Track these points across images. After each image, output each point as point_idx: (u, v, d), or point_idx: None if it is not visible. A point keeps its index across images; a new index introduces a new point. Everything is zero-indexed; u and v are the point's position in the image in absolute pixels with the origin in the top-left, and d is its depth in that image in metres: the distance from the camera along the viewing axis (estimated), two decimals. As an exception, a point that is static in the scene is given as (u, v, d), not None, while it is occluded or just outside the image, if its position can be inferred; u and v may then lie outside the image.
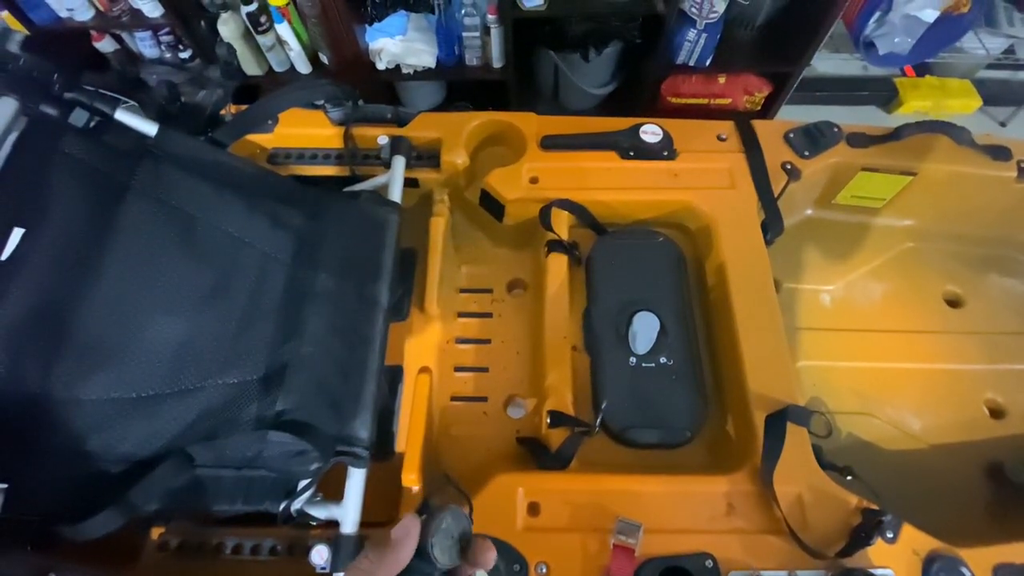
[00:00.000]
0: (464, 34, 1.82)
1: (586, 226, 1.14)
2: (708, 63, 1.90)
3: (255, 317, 0.79)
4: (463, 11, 1.76)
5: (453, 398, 1.06)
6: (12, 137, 0.76)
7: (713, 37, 1.80)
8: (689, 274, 1.10)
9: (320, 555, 0.71)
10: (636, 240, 1.11)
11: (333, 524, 0.74)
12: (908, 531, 0.81)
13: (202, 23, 1.81)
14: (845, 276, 1.28)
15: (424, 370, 1.03)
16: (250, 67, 1.88)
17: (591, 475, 0.89)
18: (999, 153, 1.16)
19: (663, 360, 0.99)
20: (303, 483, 0.72)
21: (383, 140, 1.09)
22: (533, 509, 0.84)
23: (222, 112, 0.99)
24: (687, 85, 2.03)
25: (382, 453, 0.95)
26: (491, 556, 0.45)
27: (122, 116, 0.83)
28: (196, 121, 0.95)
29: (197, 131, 0.94)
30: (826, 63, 2.24)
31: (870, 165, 1.16)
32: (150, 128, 0.84)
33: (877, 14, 1.86)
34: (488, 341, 1.12)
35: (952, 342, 1.20)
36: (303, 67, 1.91)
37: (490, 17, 1.74)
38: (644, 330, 1.00)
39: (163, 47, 1.95)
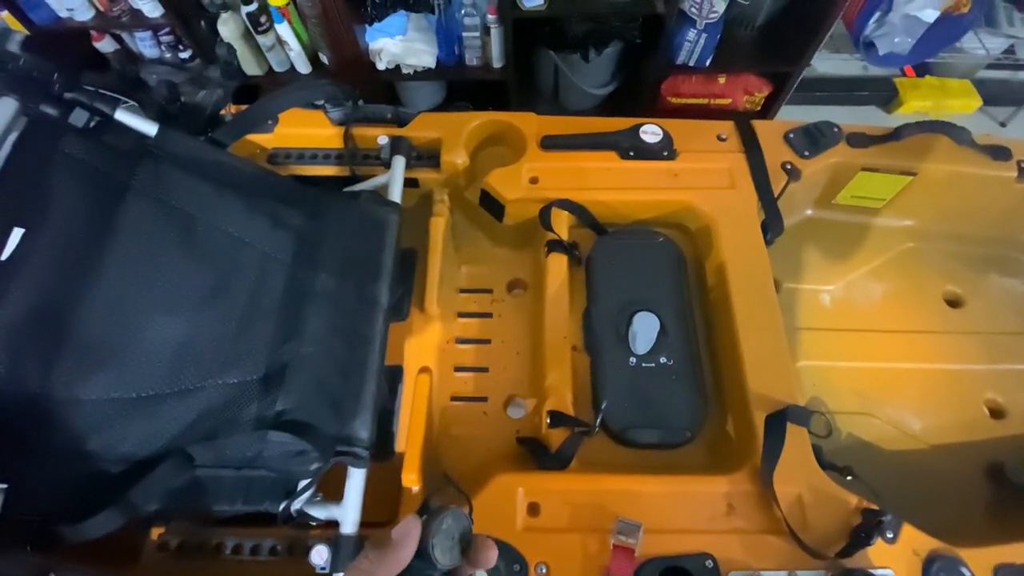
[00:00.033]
0: (464, 34, 1.82)
1: (586, 226, 1.14)
2: (708, 63, 1.90)
3: (255, 317, 0.79)
4: (463, 11, 1.76)
5: (453, 398, 1.06)
6: (12, 137, 0.76)
7: (713, 37, 1.80)
8: (689, 274, 1.10)
9: (320, 555, 0.71)
10: (636, 240, 1.11)
11: (333, 524, 0.74)
12: (908, 531, 0.81)
13: (202, 23, 1.81)
14: (845, 276, 1.28)
15: (424, 370, 1.03)
16: (250, 67, 1.88)
17: (591, 475, 0.89)
18: (999, 153, 1.16)
19: (663, 360, 0.99)
20: (303, 483, 0.72)
21: (383, 140, 1.09)
22: (533, 509, 0.84)
23: (222, 112, 0.99)
24: (687, 85, 2.03)
25: (382, 453, 0.94)
26: (492, 555, 0.45)
27: (122, 116, 0.83)
28: (196, 121, 0.95)
29: (197, 131, 0.94)
30: (826, 63, 2.24)
31: (870, 165, 1.16)
32: (150, 128, 0.84)
33: (877, 14, 1.86)
34: (488, 341, 1.12)
35: (952, 342, 1.20)
36: (303, 67, 1.91)
37: (490, 17, 1.74)
38: (644, 330, 1.00)
39: (163, 47, 1.95)
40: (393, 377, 1.01)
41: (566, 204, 1.10)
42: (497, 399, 1.06)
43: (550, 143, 1.15)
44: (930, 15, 1.80)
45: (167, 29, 1.87)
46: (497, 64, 1.91)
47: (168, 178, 0.84)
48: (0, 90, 0.76)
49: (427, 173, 1.14)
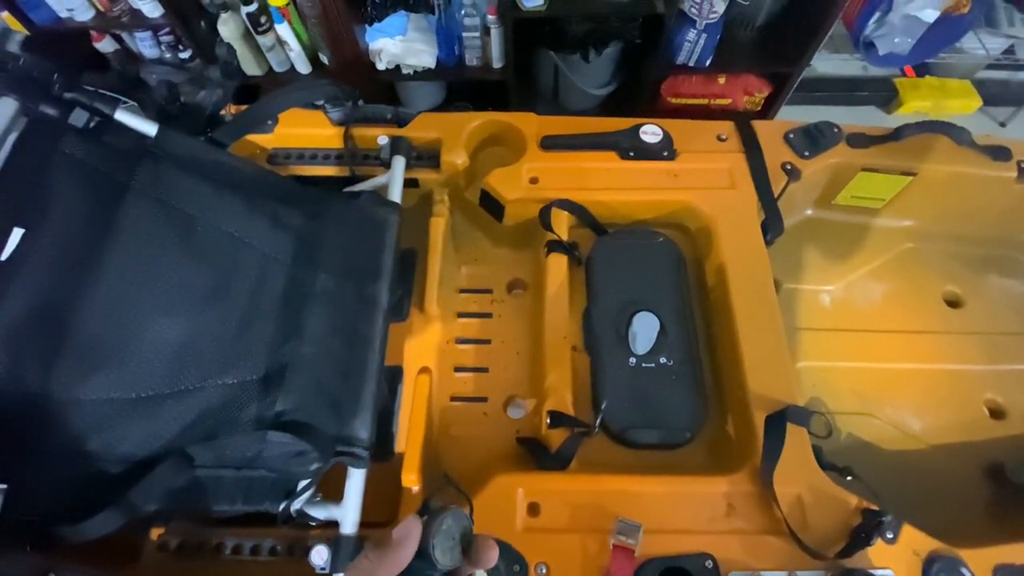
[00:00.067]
0: (464, 34, 1.82)
1: (586, 226, 1.14)
2: (708, 63, 1.90)
3: (255, 317, 0.79)
4: (463, 11, 1.76)
5: (453, 398, 1.06)
6: (12, 137, 0.76)
7: (713, 37, 1.80)
8: (689, 274, 1.10)
9: (320, 555, 0.71)
10: (636, 240, 1.11)
11: (333, 524, 0.74)
12: (908, 531, 0.81)
13: (202, 23, 1.81)
14: (845, 276, 1.28)
15: (424, 370, 1.03)
16: (250, 67, 1.88)
17: (591, 475, 0.89)
18: (999, 153, 1.16)
19: (663, 360, 0.99)
20: (303, 483, 0.72)
21: (383, 140, 1.09)
22: (533, 509, 0.84)
23: (222, 112, 0.99)
24: (687, 85, 2.03)
25: (382, 453, 0.94)
26: (493, 555, 0.45)
27: (122, 116, 0.83)
28: (196, 121, 0.95)
29: (197, 131, 0.94)
30: (826, 63, 2.24)
31: (870, 165, 1.16)
32: (150, 128, 0.84)
33: (877, 14, 1.86)
34: (488, 341, 1.12)
35: (952, 342, 1.20)
36: (303, 67, 1.91)
37: (490, 17, 1.74)
38: (644, 330, 1.00)
39: (163, 47, 1.95)
40: (393, 377, 1.01)
41: (566, 204, 1.10)
42: (497, 399, 1.06)
43: (550, 143, 1.15)
44: (930, 15, 1.80)
45: (167, 29, 1.87)
46: (497, 64, 1.91)
47: (168, 178, 0.84)
48: (0, 90, 0.76)
49: (427, 173, 1.14)
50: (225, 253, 0.82)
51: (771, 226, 1.10)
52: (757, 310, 0.99)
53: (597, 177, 1.13)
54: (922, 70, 2.38)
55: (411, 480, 0.88)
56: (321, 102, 1.11)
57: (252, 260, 0.83)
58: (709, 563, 0.79)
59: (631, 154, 1.14)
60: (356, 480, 0.75)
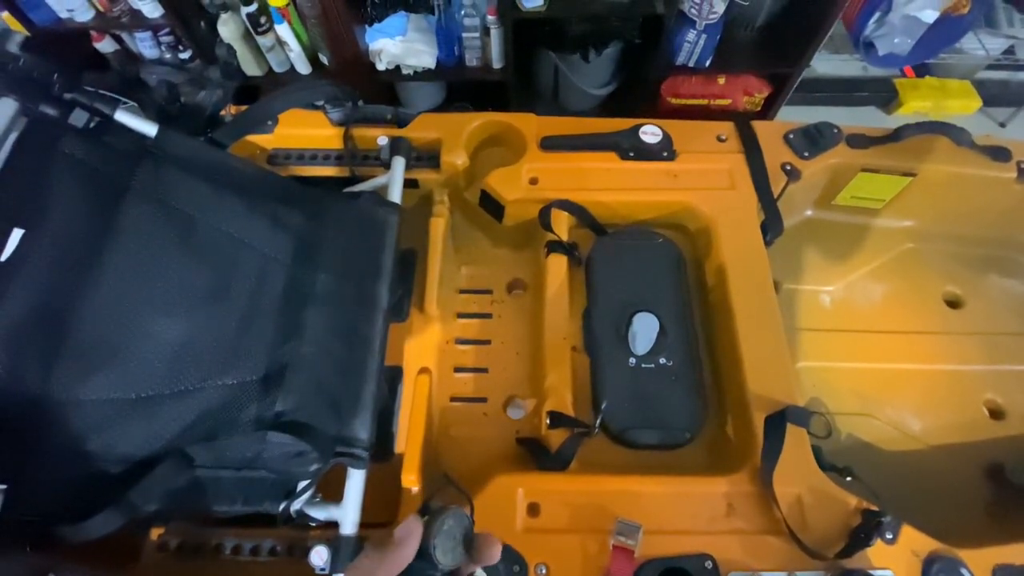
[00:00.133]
0: (464, 35, 1.82)
1: (586, 227, 1.14)
2: (708, 64, 1.90)
3: (255, 318, 0.79)
4: (463, 12, 1.76)
5: (453, 399, 1.06)
6: (12, 137, 0.76)
7: (713, 38, 1.80)
8: (689, 275, 1.10)
9: (319, 556, 0.71)
10: (636, 241, 1.11)
11: (333, 525, 0.74)
12: (908, 532, 0.81)
13: (202, 24, 1.81)
14: (845, 277, 1.28)
15: (424, 371, 1.03)
16: (250, 68, 1.88)
17: (591, 476, 0.89)
18: (999, 154, 1.16)
19: (663, 361, 0.99)
20: (302, 484, 0.72)
21: (383, 141, 1.09)
22: (533, 510, 0.84)
23: (222, 113, 0.99)
24: (687, 86, 2.03)
25: (382, 454, 0.95)
26: (496, 551, 0.45)
27: (122, 117, 0.83)
28: (196, 122, 0.95)
29: (197, 132, 0.94)
30: (826, 64, 2.24)
31: (870, 166, 1.16)
32: (150, 129, 0.84)
33: (877, 15, 1.86)
34: (488, 342, 1.12)
35: (952, 343, 1.20)
36: (303, 68, 1.91)
37: (490, 18, 1.74)
38: (644, 331, 1.00)
39: (163, 47, 1.95)
40: (393, 378, 1.01)
41: (566, 205, 1.10)
42: (497, 400, 1.06)
43: (550, 144, 1.15)
44: (930, 16, 1.80)
45: (167, 30, 1.87)
46: (497, 65, 1.91)
47: (168, 179, 0.84)
48: (0, 90, 0.76)
49: (427, 174, 1.14)
50: (225, 253, 0.82)
51: (771, 226, 1.10)
52: (757, 310, 0.99)
53: (597, 177, 1.13)
54: (922, 70, 2.38)
55: (411, 480, 0.88)
56: (321, 102, 1.11)
57: (252, 260, 0.83)
58: (709, 564, 0.79)
59: (631, 154, 1.14)
60: (356, 480, 0.75)
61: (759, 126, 1.18)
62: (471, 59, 1.91)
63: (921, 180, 1.17)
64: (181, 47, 1.91)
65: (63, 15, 1.77)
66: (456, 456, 1.01)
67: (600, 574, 0.79)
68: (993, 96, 2.39)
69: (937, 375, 1.18)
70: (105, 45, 1.94)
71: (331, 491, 0.75)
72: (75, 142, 0.79)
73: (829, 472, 0.88)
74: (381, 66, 1.89)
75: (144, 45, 1.94)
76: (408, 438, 0.92)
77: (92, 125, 0.84)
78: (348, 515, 0.73)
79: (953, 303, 1.26)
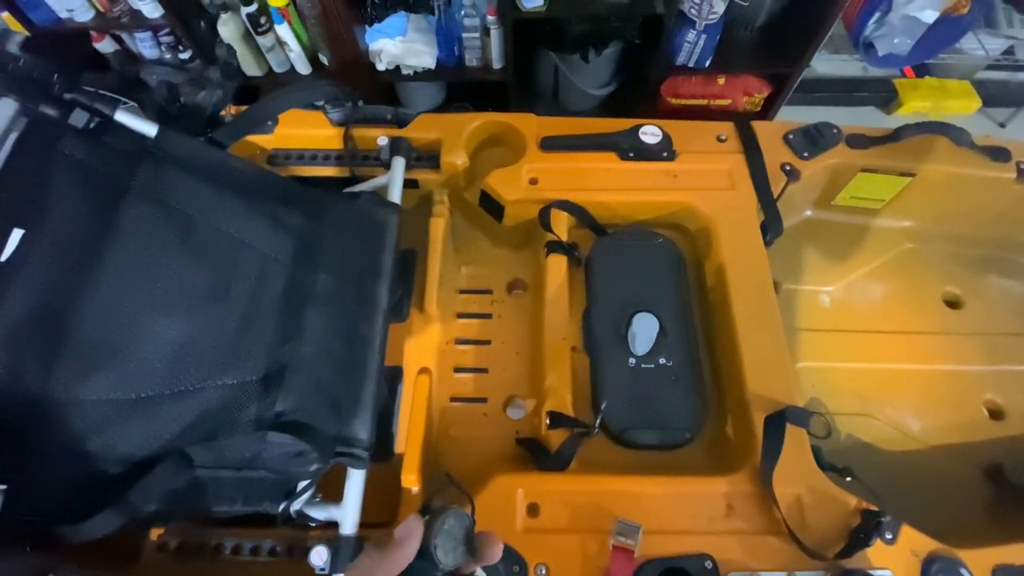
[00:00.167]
0: (464, 35, 1.82)
1: (586, 227, 1.14)
2: (708, 64, 1.90)
3: (255, 318, 0.79)
4: (463, 12, 1.76)
5: (453, 399, 1.06)
6: (12, 138, 0.76)
7: (713, 38, 1.80)
8: (688, 275, 1.10)
9: (319, 556, 0.71)
10: (635, 241, 1.11)
11: (332, 525, 0.74)
12: (907, 532, 0.81)
13: (202, 24, 1.81)
14: (844, 277, 1.28)
15: (424, 371, 1.03)
16: (250, 68, 1.88)
17: (590, 476, 0.89)
18: (998, 154, 1.16)
19: (662, 361, 0.99)
20: (302, 484, 0.72)
21: (383, 141, 1.09)
22: (532, 510, 0.84)
23: (222, 113, 0.99)
24: (687, 86, 2.03)
25: (381, 454, 0.95)
26: (498, 550, 0.45)
27: (122, 117, 0.83)
28: (196, 122, 0.95)
29: (197, 132, 0.94)
30: (826, 64, 2.24)
31: (869, 166, 1.16)
32: (150, 129, 0.84)
33: (877, 15, 1.86)
34: (488, 342, 1.12)
35: (951, 343, 1.20)
36: (303, 68, 1.91)
37: (490, 18, 1.74)
38: (643, 331, 1.00)
39: (163, 48, 1.95)
40: (393, 378, 1.01)
41: (566, 205, 1.10)
42: (497, 400, 1.06)
43: (550, 144, 1.15)
44: (929, 16, 1.80)
45: (167, 30, 1.87)
46: (497, 65, 1.91)
47: (168, 179, 0.84)
48: (0, 91, 0.76)
49: (427, 174, 1.14)
50: (225, 254, 0.82)
51: (770, 227, 1.10)
52: (756, 311, 0.99)
53: (597, 178, 1.13)
54: (922, 71, 2.38)
55: (411, 481, 0.88)
56: (321, 103, 1.12)
57: (252, 260, 0.83)
58: (708, 564, 0.79)
59: (631, 155, 1.14)
60: (356, 481, 0.75)
61: (759, 126, 1.18)
62: (471, 59, 1.91)
63: (921, 180, 1.17)
64: (181, 47, 1.92)
65: (63, 15, 1.77)
66: (456, 456, 1.01)
67: (600, 574, 0.79)
68: (993, 96, 2.39)
69: (936, 375, 1.18)
70: (105, 45, 1.94)
71: (331, 491, 0.75)
72: (75, 142, 0.79)
73: (829, 472, 0.88)
74: (381, 66, 1.89)
75: (144, 45, 1.94)
76: (408, 438, 0.92)
77: (92, 125, 0.84)
78: (348, 515, 0.73)
79: (952, 303, 1.26)
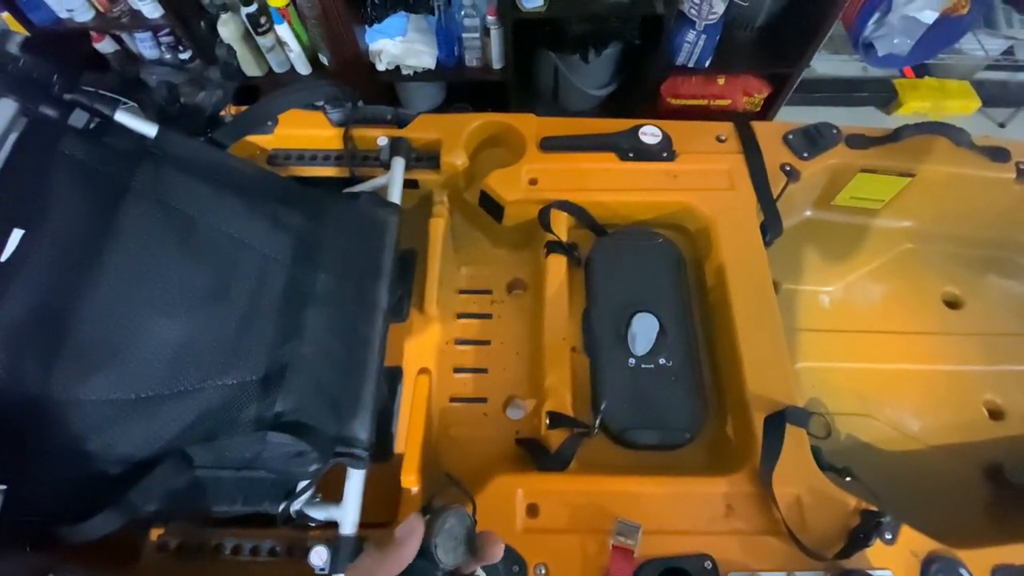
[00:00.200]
0: (464, 35, 1.82)
1: (585, 227, 1.14)
2: (708, 64, 1.90)
3: (254, 318, 0.79)
4: (463, 12, 1.76)
5: (452, 399, 1.06)
6: (12, 138, 0.76)
7: (713, 38, 1.80)
8: (688, 275, 1.10)
9: (319, 556, 0.71)
10: (635, 241, 1.11)
11: (332, 525, 0.74)
12: (907, 532, 0.82)
13: (202, 24, 1.81)
14: (844, 277, 1.28)
15: (423, 371, 1.03)
16: (250, 68, 1.88)
17: (590, 476, 0.89)
18: (998, 154, 1.16)
19: (662, 361, 0.99)
20: (302, 484, 0.72)
21: (383, 141, 1.09)
22: (532, 510, 0.84)
23: (222, 113, 0.99)
24: (687, 86, 2.03)
25: (381, 454, 0.95)
26: (499, 549, 0.45)
27: (122, 117, 0.83)
28: (196, 122, 0.95)
29: (197, 132, 0.94)
30: (825, 64, 2.24)
31: (869, 166, 1.16)
32: (150, 129, 0.84)
33: (876, 15, 1.86)
34: (487, 342, 1.12)
35: (951, 343, 1.20)
36: (303, 68, 1.91)
37: (490, 18, 1.74)
38: (643, 331, 1.00)
39: (163, 48, 1.95)
40: (392, 378, 1.01)
41: (565, 205, 1.10)
42: (496, 400, 1.06)
43: (549, 144, 1.15)
44: (929, 16, 1.80)
45: (167, 30, 1.87)
46: (497, 65, 1.91)
47: (168, 179, 0.84)
48: (0, 91, 0.76)
49: (427, 174, 1.14)
50: (225, 254, 0.82)
51: (770, 227, 1.10)
52: (756, 311, 0.99)
53: (596, 178, 1.13)
54: (921, 71, 2.38)
55: (410, 481, 0.88)
56: (321, 103, 1.12)
57: (252, 261, 0.83)
58: (708, 564, 0.79)
59: (630, 155, 1.14)
60: (355, 481, 0.75)
61: (758, 126, 1.18)
62: (471, 59, 1.91)
63: (920, 181, 1.17)
64: (181, 47, 1.91)
65: (63, 15, 1.77)
66: (456, 456, 1.01)
67: (599, 574, 0.79)
68: (992, 97, 2.39)
69: (936, 375, 1.18)
70: (105, 45, 1.94)
71: (331, 491, 0.75)
72: (75, 143, 0.79)
73: (828, 472, 0.88)
74: (381, 66, 1.89)
75: (144, 45, 1.94)
76: (408, 438, 0.92)
77: (92, 126, 0.84)
78: (348, 515, 0.73)
79: (952, 303, 1.26)
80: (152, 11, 1.73)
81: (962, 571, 0.79)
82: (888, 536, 0.81)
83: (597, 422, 0.90)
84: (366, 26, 1.86)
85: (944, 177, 1.17)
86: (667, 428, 0.94)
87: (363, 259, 0.88)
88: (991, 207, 1.22)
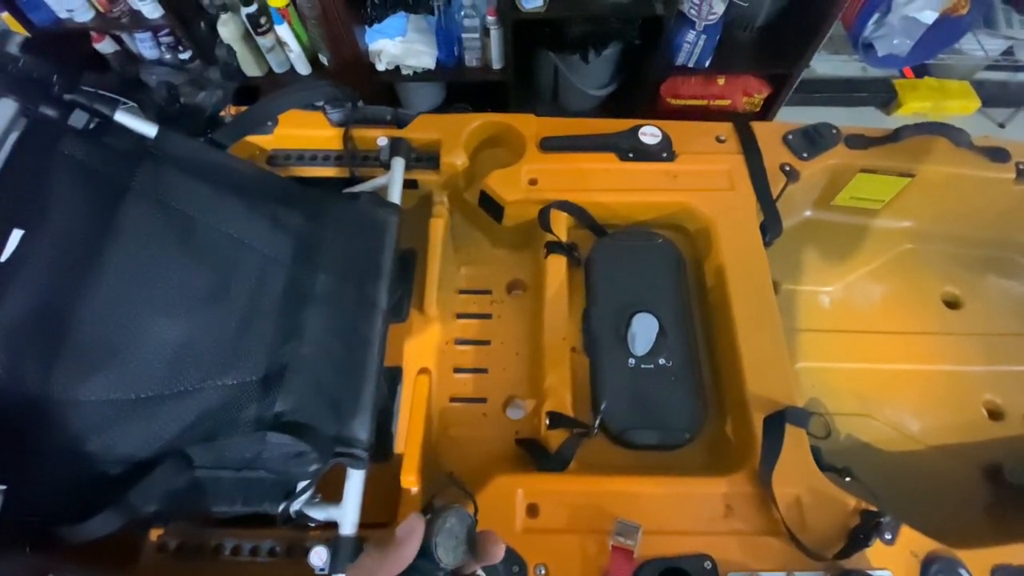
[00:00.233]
0: (464, 35, 1.82)
1: (585, 227, 1.14)
2: (707, 64, 1.90)
3: (254, 318, 0.79)
4: (463, 12, 1.76)
5: (452, 399, 1.06)
6: (12, 138, 0.76)
7: (712, 38, 1.80)
8: (688, 275, 1.10)
9: (319, 556, 0.71)
10: (635, 241, 1.11)
11: (332, 525, 0.74)
12: (906, 532, 0.82)
13: (202, 24, 1.81)
14: (844, 277, 1.28)
15: (423, 371, 1.03)
16: (250, 68, 1.89)
17: (590, 476, 0.89)
18: (997, 155, 1.16)
19: (662, 361, 0.99)
20: (302, 484, 0.72)
21: (382, 141, 1.09)
22: (532, 510, 0.84)
23: (222, 113, 0.99)
24: (686, 86, 2.03)
25: (381, 454, 0.95)
26: (500, 549, 0.45)
27: (121, 117, 0.83)
28: (196, 122, 0.95)
29: (197, 132, 0.94)
30: (825, 64, 2.24)
31: (869, 167, 1.16)
32: (150, 129, 0.84)
33: (876, 15, 1.86)
34: (487, 342, 1.12)
35: (951, 344, 1.20)
36: (303, 68, 1.92)
37: (489, 18, 1.74)
38: (643, 331, 1.00)
39: (163, 48, 1.95)
40: (392, 378, 1.01)
41: (565, 205, 1.10)
42: (496, 400, 1.06)
43: (549, 144, 1.15)
44: (929, 16, 1.80)
45: (167, 30, 1.87)
46: (496, 65, 1.91)
47: (168, 179, 0.84)
48: (0, 91, 0.76)
49: (426, 174, 1.14)
50: (225, 254, 0.82)
51: (770, 227, 1.10)
52: (756, 311, 0.99)
53: (596, 178, 1.13)
54: (921, 71, 2.39)
55: (410, 481, 0.88)
56: (321, 103, 1.12)
57: (252, 261, 0.83)
58: (708, 564, 0.79)
59: (630, 155, 1.14)
60: (355, 481, 0.75)
61: (758, 127, 1.18)
62: (471, 60, 1.91)
63: (920, 181, 1.17)
64: (181, 48, 1.91)
65: (63, 16, 1.77)
66: (455, 457, 1.01)
67: (599, 574, 0.79)
68: (992, 97, 2.39)
69: (936, 376, 1.18)
70: (105, 46, 1.94)
71: (330, 491, 0.75)
72: (75, 143, 0.79)
73: (828, 473, 0.88)
74: (381, 67, 1.89)
75: (144, 46, 1.94)
76: (407, 438, 0.92)
77: (92, 126, 0.84)
78: (347, 515, 0.73)
79: (952, 304, 1.26)
80: (152, 11, 1.73)
81: (962, 571, 0.79)
82: (888, 536, 0.81)
83: (597, 422, 0.90)
84: (366, 26, 1.86)
85: (944, 177, 1.17)
86: (667, 428, 0.94)
87: (363, 259, 0.88)
88: (991, 207, 1.22)
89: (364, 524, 0.74)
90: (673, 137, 1.16)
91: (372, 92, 1.97)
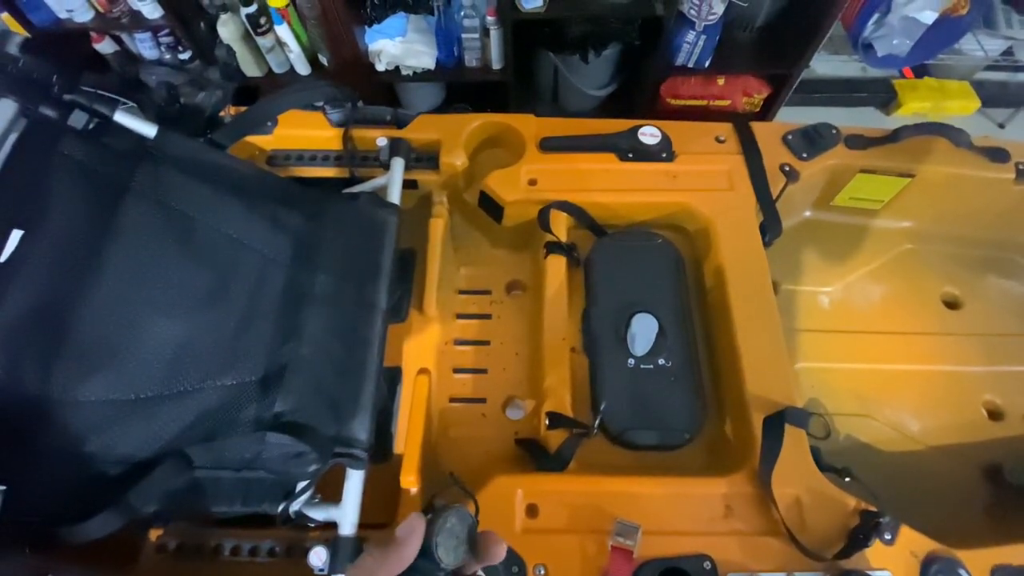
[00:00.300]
0: (463, 36, 1.82)
1: (585, 228, 1.14)
2: (707, 65, 1.90)
3: (254, 318, 0.79)
4: (463, 13, 1.76)
5: (452, 399, 1.06)
6: (12, 139, 0.76)
7: (712, 39, 1.80)
8: (687, 276, 1.10)
9: (318, 557, 0.71)
10: (635, 242, 1.11)
11: (332, 526, 0.74)
12: (906, 533, 0.82)
13: (202, 25, 1.81)
14: (844, 278, 1.28)
15: (423, 371, 1.03)
16: (249, 68, 1.88)
17: (589, 477, 0.89)
18: (997, 155, 1.16)
19: (661, 362, 0.99)
20: (301, 485, 0.72)
21: (382, 142, 1.10)
22: (531, 511, 0.84)
23: (221, 113, 0.99)
24: (686, 87, 2.03)
25: (380, 455, 0.95)
26: (501, 549, 0.45)
27: (121, 118, 0.83)
28: (195, 122, 0.95)
29: (196, 132, 0.94)
30: (825, 65, 2.24)
31: (868, 167, 1.16)
32: (149, 130, 0.84)
33: (876, 16, 1.86)
34: (487, 342, 1.12)
35: (950, 344, 1.20)
36: (303, 69, 1.91)
37: (489, 19, 1.74)
38: (643, 332, 1.00)
39: (163, 48, 1.94)
40: (392, 378, 1.01)
41: (565, 206, 1.10)
42: (496, 400, 1.06)
43: (549, 145, 1.15)
44: (929, 17, 1.80)
45: (167, 30, 1.87)
46: (496, 65, 1.91)
47: (167, 180, 0.84)
48: (0, 92, 0.76)
49: (426, 175, 1.14)
50: (224, 254, 0.82)
51: (769, 227, 1.10)
52: (756, 311, 0.99)
53: (596, 179, 1.13)
54: (921, 71, 2.39)
55: (410, 481, 0.88)
56: (320, 103, 1.12)
57: (251, 261, 0.83)
58: (707, 564, 0.79)
59: (630, 156, 1.14)
60: (355, 481, 0.75)
61: (758, 127, 1.18)
62: (471, 60, 1.91)
63: (920, 181, 1.17)
64: (181, 48, 1.91)
65: (63, 16, 1.77)
66: (455, 457, 1.01)
67: (599, 575, 0.79)
68: (992, 97, 2.39)
69: (936, 376, 1.18)
70: (105, 46, 1.94)
71: (330, 492, 0.75)
72: (74, 143, 0.79)
73: (827, 473, 0.88)
74: (381, 67, 1.89)
75: (144, 46, 1.94)
76: (407, 439, 0.92)
77: (91, 126, 0.84)
78: (347, 516, 0.73)
79: (952, 304, 1.26)
80: (152, 11, 1.73)
81: (961, 571, 0.79)
82: (887, 536, 0.81)
83: (596, 422, 0.90)
84: (366, 26, 1.86)
85: (943, 178, 1.17)
86: (666, 428, 0.94)
87: (362, 259, 0.88)
88: (990, 207, 1.22)
89: (364, 524, 0.74)
90: (673, 137, 1.16)
91: (372, 92, 1.97)
